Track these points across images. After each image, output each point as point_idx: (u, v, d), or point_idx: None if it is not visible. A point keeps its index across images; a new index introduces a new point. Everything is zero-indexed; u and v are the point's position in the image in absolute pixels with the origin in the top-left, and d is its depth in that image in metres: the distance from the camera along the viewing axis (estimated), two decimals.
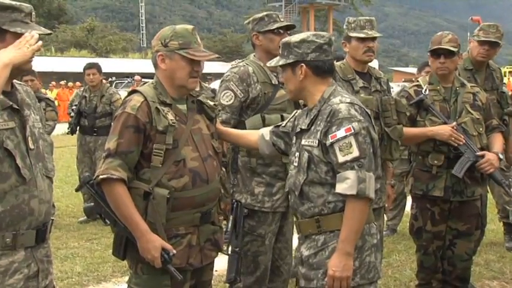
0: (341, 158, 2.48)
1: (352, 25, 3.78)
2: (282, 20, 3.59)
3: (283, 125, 2.94)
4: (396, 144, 3.77)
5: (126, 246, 2.77)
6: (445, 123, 3.87)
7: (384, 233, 5.62)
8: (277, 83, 3.50)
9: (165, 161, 2.70)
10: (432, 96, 3.97)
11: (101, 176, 2.66)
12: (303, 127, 2.65)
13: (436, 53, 3.94)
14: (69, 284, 4.78)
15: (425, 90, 3.99)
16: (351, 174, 2.46)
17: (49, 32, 2.49)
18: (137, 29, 64.21)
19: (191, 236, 2.78)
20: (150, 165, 2.69)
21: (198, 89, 3.70)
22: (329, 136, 2.52)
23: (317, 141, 2.56)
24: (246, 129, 3.42)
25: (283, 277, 3.70)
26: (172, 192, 2.68)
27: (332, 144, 2.51)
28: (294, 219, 2.88)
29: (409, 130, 3.87)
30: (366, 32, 3.72)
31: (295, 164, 2.66)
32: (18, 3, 2.38)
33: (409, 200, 4.71)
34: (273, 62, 2.75)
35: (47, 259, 2.48)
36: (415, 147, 4.03)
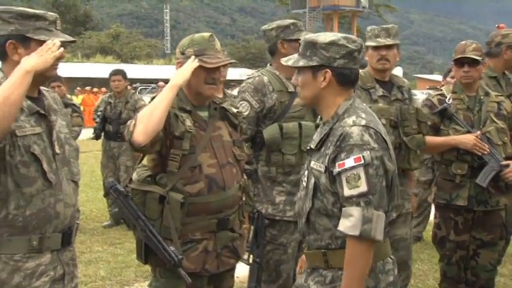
0: (347, 191, 2.14)
1: (369, 34, 3.79)
2: (303, 29, 3.62)
3: None
4: (415, 153, 3.73)
5: (146, 251, 2.82)
6: (468, 132, 3.85)
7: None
8: (293, 90, 3.50)
9: (181, 166, 2.75)
10: (456, 105, 3.95)
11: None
12: (312, 146, 2.35)
13: (460, 62, 3.92)
14: None
15: (449, 99, 3.97)
16: (355, 212, 2.12)
17: (72, 39, 2.54)
18: (161, 35, 64.78)
19: (207, 242, 2.81)
20: (166, 169, 2.75)
21: (221, 95, 3.75)
22: (337, 164, 2.18)
23: (324, 168, 2.23)
24: (263, 138, 3.45)
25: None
26: (187, 198, 2.72)
27: (339, 173, 2.17)
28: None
29: (432, 139, 3.84)
30: (378, 41, 3.72)
31: (304, 184, 2.37)
32: (42, 11, 2.45)
33: (433, 209, 4.68)
34: (290, 61, 2.35)
35: (73, 262, 2.53)
36: (439, 156, 4.01)
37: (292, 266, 3.57)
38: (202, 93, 2.84)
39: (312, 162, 2.30)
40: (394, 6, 52.38)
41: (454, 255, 4.01)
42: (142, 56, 51.16)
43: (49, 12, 2.46)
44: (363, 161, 2.13)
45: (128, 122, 2.65)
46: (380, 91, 3.78)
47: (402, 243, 3.78)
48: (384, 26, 3.80)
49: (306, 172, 2.36)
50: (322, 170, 2.23)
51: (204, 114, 2.89)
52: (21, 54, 2.36)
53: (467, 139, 3.80)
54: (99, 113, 7.22)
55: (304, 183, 2.35)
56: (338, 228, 2.15)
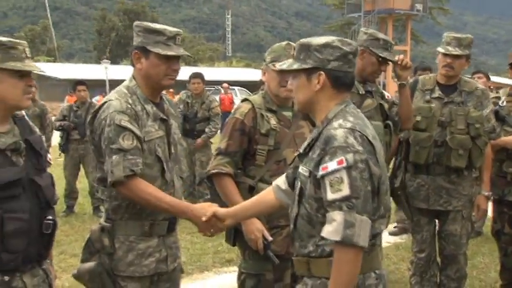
0: (330, 195, 1.97)
1: (443, 39, 3.85)
2: (392, 51, 3.62)
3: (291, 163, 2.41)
4: (457, 152, 3.76)
5: (236, 235, 3.03)
6: None
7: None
8: (364, 92, 3.64)
9: (268, 160, 2.97)
10: (509, 107, 4.01)
11: (212, 171, 2.97)
12: (301, 151, 2.19)
13: None
14: None
15: (503, 101, 4.05)
16: (337, 216, 1.94)
17: (187, 53, 2.70)
18: (222, 39, 65.51)
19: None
20: (255, 163, 2.97)
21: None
22: (320, 167, 2.01)
23: (309, 172, 2.07)
24: None
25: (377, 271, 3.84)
26: None
27: (323, 177, 2.00)
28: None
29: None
30: (447, 48, 3.77)
31: (296, 191, 2.20)
32: (163, 27, 2.61)
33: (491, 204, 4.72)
34: (284, 65, 2.21)
35: (175, 246, 2.76)
36: (493, 154, 4.08)
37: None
38: (279, 95, 3.05)
39: (300, 167, 2.15)
40: (448, 8, 51.10)
41: (510, 247, 4.08)
42: (205, 59, 52.00)
43: (169, 28, 2.61)
44: (345, 164, 1.96)
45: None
46: (437, 93, 3.87)
47: (452, 239, 3.90)
48: (457, 35, 3.81)
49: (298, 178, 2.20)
50: (307, 174, 2.08)
51: (288, 113, 3.09)
52: (142, 64, 2.59)
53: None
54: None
55: (296, 189, 2.18)
56: (321, 234, 1.99)
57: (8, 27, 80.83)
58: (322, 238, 2.01)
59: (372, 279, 2.09)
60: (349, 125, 2.04)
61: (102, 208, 2.66)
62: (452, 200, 3.86)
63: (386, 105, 3.73)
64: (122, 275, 2.59)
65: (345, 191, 1.95)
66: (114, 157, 2.46)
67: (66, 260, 5.10)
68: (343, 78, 2.12)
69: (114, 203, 2.60)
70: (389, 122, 3.71)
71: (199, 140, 7.30)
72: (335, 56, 2.10)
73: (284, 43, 3.10)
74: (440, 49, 3.83)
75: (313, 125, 2.19)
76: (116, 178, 2.45)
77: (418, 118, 3.81)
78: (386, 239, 5.78)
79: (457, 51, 3.75)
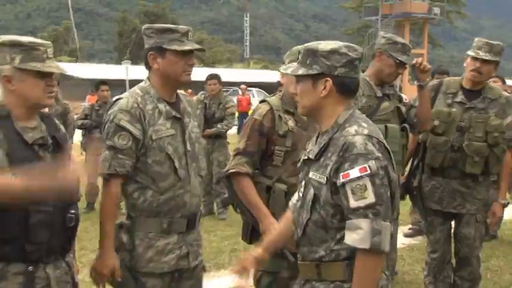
0: (353, 203, 1.96)
1: (473, 44, 3.80)
2: (410, 54, 3.62)
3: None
4: (472, 159, 3.74)
5: (252, 233, 3.05)
6: None
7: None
8: (381, 95, 3.65)
9: (285, 161, 2.97)
10: None
11: (230, 170, 2.98)
12: (311, 156, 2.14)
13: None
14: None
15: None
16: (364, 224, 1.94)
17: (201, 47, 2.77)
18: (240, 41, 65.62)
19: None
20: (272, 163, 2.98)
21: None
22: (340, 175, 1.99)
23: (325, 179, 2.04)
24: None
25: (387, 271, 3.83)
26: (290, 187, 2.91)
27: (344, 184, 1.98)
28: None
29: None
30: (477, 53, 3.73)
31: (300, 195, 2.18)
32: (175, 26, 2.69)
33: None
34: (289, 69, 2.20)
35: (197, 243, 2.78)
36: None
37: (395, 256, 3.67)
38: (294, 97, 3.06)
39: (311, 173, 2.10)
40: (465, 12, 50.63)
41: None
42: (223, 60, 52.18)
43: (181, 26, 2.69)
44: (369, 171, 1.95)
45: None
46: (460, 97, 3.83)
47: (465, 241, 3.89)
48: (489, 41, 3.76)
49: (303, 182, 2.17)
50: (324, 181, 2.04)
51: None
52: (159, 63, 2.63)
53: None
54: None
55: (301, 194, 2.17)
56: (345, 241, 1.97)
57: (31, 28, 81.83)
58: (337, 243, 2.02)
59: (383, 280, 2.11)
60: (366, 131, 2.03)
61: (121, 205, 2.70)
62: (466, 203, 3.85)
63: (403, 108, 3.72)
64: (142, 271, 2.63)
65: (370, 198, 1.94)
66: (106, 152, 2.58)
67: (86, 256, 5.15)
68: (349, 85, 2.11)
69: (131, 201, 2.65)
70: (406, 125, 3.70)
71: (208, 130, 7.20)
72: (342, 62, 2.07)
73: (300, 47, 3.11)
74: (470, 53, 3.78)
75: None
76: (101, 171, 2.59)
77: (436, 122, 3.79)
78: (401, 241, 5.77)
79: (487, 56, 3.70)
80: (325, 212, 2.05)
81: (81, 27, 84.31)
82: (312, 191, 2.09)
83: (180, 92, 2.83)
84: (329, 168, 2.03)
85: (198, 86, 7.30)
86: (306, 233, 2.12)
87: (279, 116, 3.01)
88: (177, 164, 2.64)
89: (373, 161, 1.97)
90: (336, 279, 2.04)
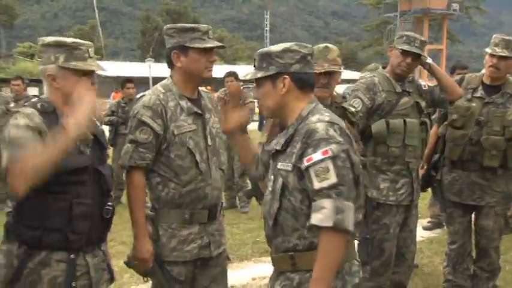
0: (317, 185, 2.00)
1: (491, 41, 3.83)
2: (415, 45, 3.62)
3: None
4: (489, 152, 3.77)
5: None
6: None
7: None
8: (400, 91, 3.66)
9: None
10: None
11: None
12: (278, 148, 2.17)
13: None
14: None
15: None
16: (327, 203, 1.97)
17: (221, 44, 2.83)
18: (260, 38, 65.60)
19: None
20: None
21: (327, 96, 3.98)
22: (304, 159, 2.04)
23: (292, 166, 2.09)
24: (371, 132, 3.61)
25: (407, 263, 3.84)
26: None
27: (307, 168, 2.02)
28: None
29: None
30: (494, 49, 3.77)
31: (270, 189, 2.20)
32: (196, 25, 2.75)
33: None
34: (248, 75, 2.24)
35: (218, 233, 2.84)
36: None
37: (394, 245, 3.72)
38: (315, 94, 3.08)
39: (279, 164, 2.14)
40: (484, 8, 49.93)
41: None
42: (244, 57, 52.21)
43: (202, 25, 2.75)
44: (330, 154, 2.00)
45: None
46: (479, 93, 3.87)
47: (484, 233, 3.93)
48: (506, 37, 3.79)
49: (272, 176, 2.20)
50: (290, 168, 2.09)
51: None
52: (182, 62, 2.69)
53: None
54: None
55: (270, 187, 2.19)
56: (310, 221, 1.99)
57: (58, 27, 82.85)
58: (309, 230, 2.04)
59: (355, 267, 2.15)
60: (327, 118, 2.09)
61: (147, 199, 2.77)
62: (485, 195, 3.86)
63: (423, 104, 3.73)
64: (167, 259, 2.70)
65: (332, 179, 1.99)
66: (127, 145, 2.67)
67: (115, 247, 5.24)
68: (306, 79, 2.18)
69: (155, 193, 2.72)
70: (426, 120, 3.72)
71: None
72: (296, 59, 2.15)
73: (322, 46, 3.13)
74: (487, 50, 3.83)
75: (282, 130, 2.23)
76: (122, 163, 2.67)
77: (455, 116, 3.84)
78: (420, 234, 5.74)
79: (504, 53, 3.74)
80: (294, 199, 2.09)
81: (106, 26, 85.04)
82: (280, 180, 2.12)
83: (202, 89, 2.88)
84: (294, 156, 2.08)
85: (218, 82, 7.32)
86: (277, 222, 2.14)
87: None
88: (198, 158, 2.69)
89: (335, 145, 2.02)
90: (311, 268, 2.02)
